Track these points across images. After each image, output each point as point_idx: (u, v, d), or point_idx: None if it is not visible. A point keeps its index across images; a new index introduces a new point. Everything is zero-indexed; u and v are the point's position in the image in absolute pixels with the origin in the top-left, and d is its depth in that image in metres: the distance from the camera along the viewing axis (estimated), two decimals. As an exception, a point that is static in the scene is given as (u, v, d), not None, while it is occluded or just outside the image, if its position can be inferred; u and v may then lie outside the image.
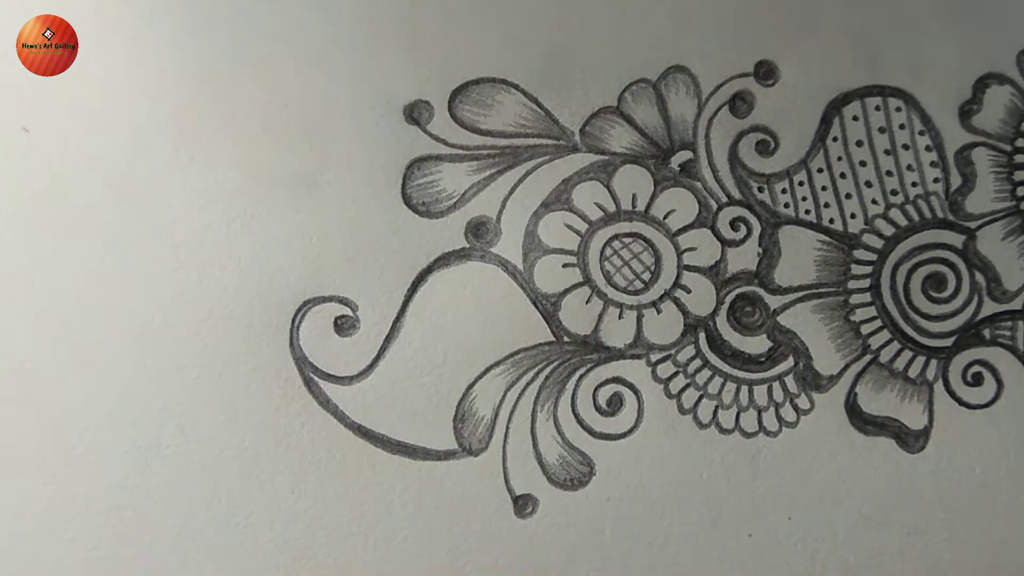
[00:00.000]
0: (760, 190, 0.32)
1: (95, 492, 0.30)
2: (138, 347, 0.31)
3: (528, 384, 0.31)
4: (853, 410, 0.32)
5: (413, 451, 0.31)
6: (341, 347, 0.31)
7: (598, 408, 0.32)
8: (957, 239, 0.32)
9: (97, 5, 0.31)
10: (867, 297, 0.32)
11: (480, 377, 0.31)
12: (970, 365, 0.32)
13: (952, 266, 0.32)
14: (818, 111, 0.33)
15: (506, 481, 0.31)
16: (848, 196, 0.32)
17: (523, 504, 0.31)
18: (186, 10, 0.31)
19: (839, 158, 0.32)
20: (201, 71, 0.31)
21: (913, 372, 0.32)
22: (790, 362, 0.32)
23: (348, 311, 0.31)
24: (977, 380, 0.32)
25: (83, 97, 0.31)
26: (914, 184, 0.32)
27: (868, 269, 0.32)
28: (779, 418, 0.32)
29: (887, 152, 0.33)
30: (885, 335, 0.32)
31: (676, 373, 0.32)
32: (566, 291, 0.32)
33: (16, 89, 0.31)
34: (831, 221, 0.32)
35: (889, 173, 0.32)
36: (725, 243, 0.32)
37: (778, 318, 0.32)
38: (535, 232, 0.32)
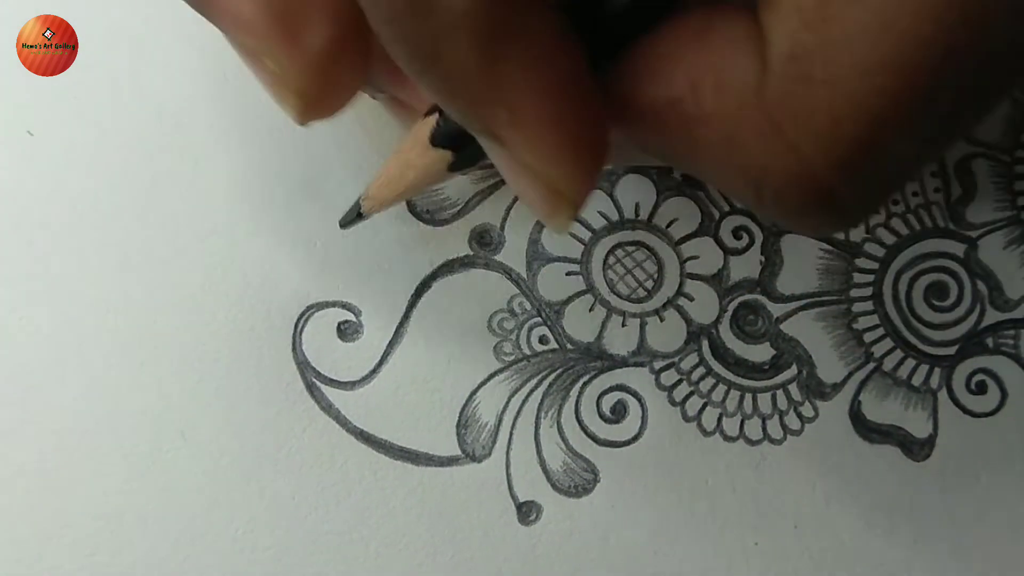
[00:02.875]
0: (762, 199, 0.32)
1: (93, 497, 0.30)
2: (139, 351, 0.30)
3: (532, 391, 0.31)
4: (857, 418, 0.32)
5: (416, 457, 0.31)
6: (344, 352, 0.31)
7: (602, 415, 0.31)
8: (958, 248, 0.32)
9: (98, 6, 0.31)
10: (869, 305, 0.32)
11: (483, 384, 0.31)
12: (974, 373, 0.32)
13: (954, 275, 0.32)
14: (819, 122, 0.33)
15: (509, 488, 0.31)
16: (849, 206, 0.33)
17: (527, 511, 0.31)
18: (190, 13, 0.31)
19: (840, 168, 0.33)
20: (206, 75, 0.31)
21: (917, 380, 0.32)
22: (793, 370, 0.32)
23: (351, 316, 0.31)
24: (981, 388, 0.32)
25: (85, 99, 0.31)
26: (915, 194, 0.33)
27: (870, 277, 0.32)
28: (783, 426, 0.31)
29: (887, 163, 0.33)
30: (888, 343, 0.32)
31: (680, 381, 0.32)
32: (569, 299, 0.32)
33: (16, 89, 0.31)
34: (833, 230, 0.33)
35: (890, 183, 0.33)
36: (728, 251, 0.32)
37: (781, 326, 0.32)
38: (539, 240, 0.32)
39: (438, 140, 0.22)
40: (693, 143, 0.19)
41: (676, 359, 0.32)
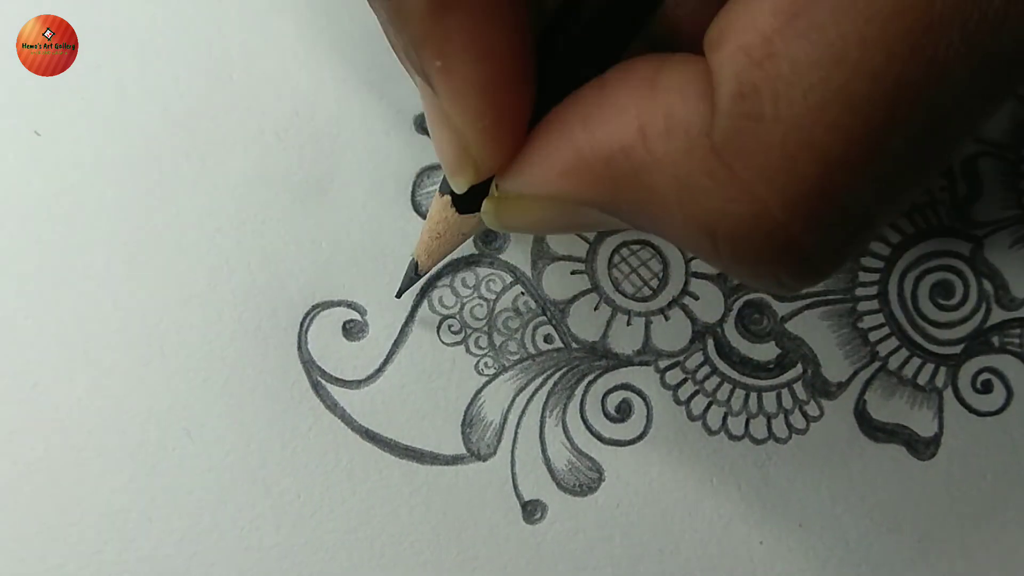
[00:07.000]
0: (767, 198, 0.32)
1: (99, 495, 0.30)
2: (145, 349, 0.30)
3: (537, 390, 0.31)
4: (862, 417, 0.32)
5: (421, 456, 0.31)
6: (349, 351, 0.31)
7: (607, 414, 0.31)
8: (964, 247, 0.32)
9: (101, 7, 0.31)
10: (875, 304, 0.32)
11: (489, 382, 0.31)
12: (979, 372, 0.32)
13: (960, 273, 0.32)
14: (824, 121, 0.33)
15: (515, 486, 0.31)
16: (855, 204, 0.33)
17: (532, 510, 0.31)
18: (197, 17, 0.31)
19: (845, 167, 0.33)
20: (213, 77, 0.32)
21: (922, 379, 0.32)
22: (799, 369, 0.32)
23: (357, 316, 0.31)
24: (987, 387, 0.32)
25: (92, 100, 0.31)
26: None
27: (875, 276, 0.32)
28: (788, 425, 0.31)
29: (893, 162, 0.33)
30: (893, 342, 0.32)
31: (685, 380, 0.32)
32: (574, 298, 0.32)
33: (18, 90, 0.31)
34: (838, 229, 0.32)
35: (895, 182, 0.33)
36: (733, 250, 0.32)
37: (786, 325, 0.32)
38: (544, 239, 0.32)
39: (443, 188, 0.26)
40: (645, 192, 0.19)
41: (681, 358, 0.32)
